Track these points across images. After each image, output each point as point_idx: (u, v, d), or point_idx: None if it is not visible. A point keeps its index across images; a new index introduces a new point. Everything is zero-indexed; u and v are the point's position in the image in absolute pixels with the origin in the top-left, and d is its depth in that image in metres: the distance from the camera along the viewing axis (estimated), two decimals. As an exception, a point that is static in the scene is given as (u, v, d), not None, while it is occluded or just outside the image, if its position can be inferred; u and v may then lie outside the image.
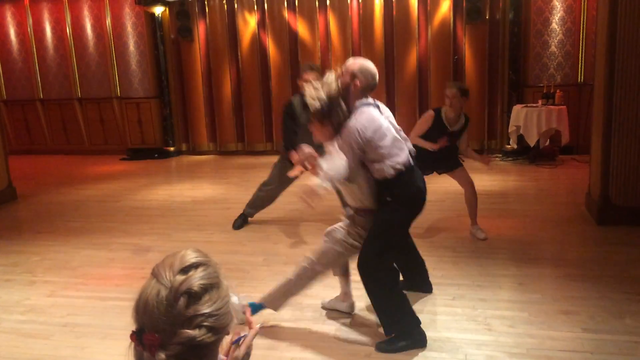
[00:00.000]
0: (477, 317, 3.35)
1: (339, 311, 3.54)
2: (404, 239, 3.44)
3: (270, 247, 4.82)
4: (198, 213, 5.99)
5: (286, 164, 4.89)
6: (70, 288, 4.13)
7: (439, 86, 8.56)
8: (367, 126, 2.98)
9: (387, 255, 3.11)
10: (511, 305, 3.50)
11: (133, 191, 7.05)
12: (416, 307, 3.52)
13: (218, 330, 1.15)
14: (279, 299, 3.33)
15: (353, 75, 3.10)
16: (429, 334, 3.18)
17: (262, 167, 8.34)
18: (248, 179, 7.45)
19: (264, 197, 5.39)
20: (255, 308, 3.30)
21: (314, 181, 2.82)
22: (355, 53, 8.77)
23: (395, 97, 8.76)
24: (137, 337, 1.14)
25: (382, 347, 3.08)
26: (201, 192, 6.92)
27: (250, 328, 1.42)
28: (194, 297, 1.13)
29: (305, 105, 3.19)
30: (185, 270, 1.15)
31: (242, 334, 1.38)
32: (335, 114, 3.03)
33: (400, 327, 3.11)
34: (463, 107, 4.73)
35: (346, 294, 3.55)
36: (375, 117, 3.06)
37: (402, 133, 3.25)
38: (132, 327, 1.17)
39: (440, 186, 6.66)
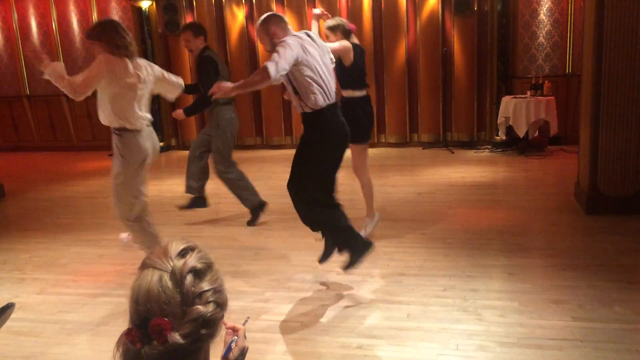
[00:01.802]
0: (468, 308, 3.37)
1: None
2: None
3: (262, 242, 4.82)
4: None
5: (223, 129, 4.97)
6: (60, 285, 4.11)
7: (428, 79, 8.58)
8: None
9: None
10: (502, 295, 3.53)
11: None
12: (407, 298, 3.54)
13: (222, 306, 1.20)
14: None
15: (267, 33, 3.42)
16: (420, 324, 3.20)
17: (252, 161, 8.34)
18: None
19: (234, 179, 5.17)
20: None
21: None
22: (344, 46, 8.74)
23: (384, 89, 8.76)
24: (140, 329, 1.12)
25: (344, 267, 3.62)
26: (191, 187, 6.89)
27: (236, 330, 1.42)
28: (198, 274, 1.17)
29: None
30: (182, 254, 1.19)
31: (232, 339, 1.38)
32: None
33: (350, 247, 3.58)
34: None
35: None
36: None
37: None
38: (124, 325, 1.15)
39: (430, 178, 6.70)
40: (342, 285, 3.82)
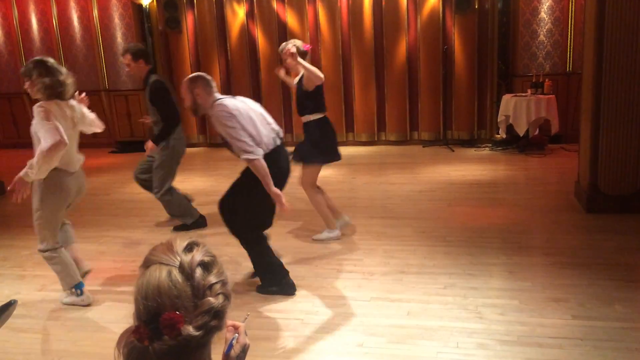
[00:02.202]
0: (468, 306, 3.38)
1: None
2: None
3: (262, 239, 4.81)
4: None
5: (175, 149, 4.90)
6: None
7: (428, 77, 8.57)
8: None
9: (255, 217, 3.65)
10: (502, 294, 3.53)
11: (123, 184, 7.00)
12: (407, 296, 3.54)
13: (229, 298, 1.22)
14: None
15: (191, 92, 3.53)
16: (420, 322, 3.21)
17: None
18: (238, 171, 7.41)
19: (172, 200, 5.06)
20: None
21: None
22: (345, 44, 8.75)
23: (385, 87, 8.75)
24: (148, 325, 1.12)
25: (259, 289, 3.71)
26: (191, 185, 6.88)
27: (236, 328, 1.42)
28: (206, 267, 1.20)
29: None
30: (188, 248, 1.21)
31: (233, 337, 1.38)
32: None
33: (271, 276, 3.68)
34: None
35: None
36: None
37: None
38: (125, 321, 1.15)
39: (431, 176, 6.70)
40: (342, 283, 3.83)
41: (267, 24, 8.93)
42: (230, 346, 1.39)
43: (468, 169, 7.01)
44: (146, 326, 1.13)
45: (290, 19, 8.82)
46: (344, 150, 8.62)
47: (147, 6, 9.05)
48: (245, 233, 3.68)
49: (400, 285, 3.74)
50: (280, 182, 3.58)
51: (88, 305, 3.64)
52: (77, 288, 3.63)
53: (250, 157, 3.39)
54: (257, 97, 9.15)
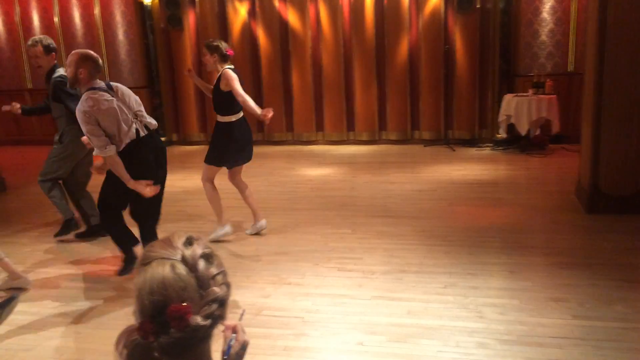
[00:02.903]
0: (469, 305, 3.38)
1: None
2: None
3: (262, 238, 4.82)
4: (189, 203, 5.97)
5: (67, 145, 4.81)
6: (63, 278, 4.12)
7: (429, 76, 8.57)
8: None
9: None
10: (502, 293, 3.54)
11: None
12: (408, 295, 3.55)
13: (230, 287, 1.26)
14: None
15: (75, 69, 3.63)
16: (420, 321, 3.21)
17: (254, 157, 8.30)
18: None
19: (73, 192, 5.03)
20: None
21: None
22: (346, 42, 8.75)
23: (386, 86, 8.75)
24: (154, 320, 1.13)
25: (120, 272, 4.07)
26: (192, 183, 6.88)
27: (233, 327, 1.42)
28: (209, 258, 1.23)
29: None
30: (188, 242, 1.23)
31: (232, 335, 1.38)
32: None
33: (128, 254, 3.99)
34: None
35: None
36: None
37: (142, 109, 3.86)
38: (126, 317, 1.15)
39: (432, 175, 6.70)
40: (342, 281, 3.83)
41: (269, 22, 8.92)
42: (229, 347, 1.40)
43: (469, 168, 7.01)
44: (152, 321, 1.13)
45: (292, 17, 8.81)
46: (345, 148, 8.68)
47: (149, 4, 9.04)
48: (100, 212, 3.99)
49: (401, 284, 3.74)
50: (146, 171, 3.73)
51: None
52: None
53: (103, 153, 3.60)
54: (258, 95, 9.17)
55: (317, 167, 7.41)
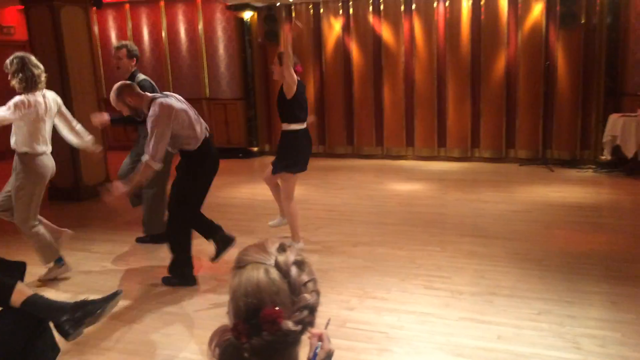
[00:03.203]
0: (565, 335, 3.19)
1: None
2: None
3: (349, 250, 4.83)
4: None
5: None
6: (160, 278, 4.33)
7: (528, 92, 8.26)
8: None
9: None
10: (602, 324, 3.31)
11: (218, 188, 7.27)
12: (498, 319, 3.41)
13: (319, 295, 1.28)
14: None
15: (124, 103, 3.94)
16: (511, 347, 3.07)
17: (342, 170, 8.40)
18: (328, 181, 7.52)
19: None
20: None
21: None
22: (440, 57, 8.63)
23: (480, 102, 8.53)
24: (247, 322, 1.16)
25: (164, 280, 4.16)
26: (282, 193, 7.05)
27: (319, 334, 1.43)
28: (301, 265, 1.25)
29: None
30: (281, 249, 1.26)
31: (318, 343, 1.39)
32: None
33: (179, 269, 4.12)
34: None
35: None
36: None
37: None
38: (219, 320, 1.19)
39: (527, 196, 6.43)
40: (429, 299, 3.75)
41: (362, 37, 9.00)
42: (315, 355, 1.41)
43: (569, 190, 6.65)
44: (245, 323, 1.17)
45: (386, 32, 8.84)
46: (435, 165, 8.53)
47: (249, 20, 9.42)
48: (182, 213, 4.17)
49: (491, 307, 3.60)
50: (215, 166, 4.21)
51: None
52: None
53: (151, 163, 3.77)
54: (348, 109, 9.26)
55: (406, 182, 7.33)
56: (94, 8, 7.10)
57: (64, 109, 4.32)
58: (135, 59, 5.11)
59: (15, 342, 2.35)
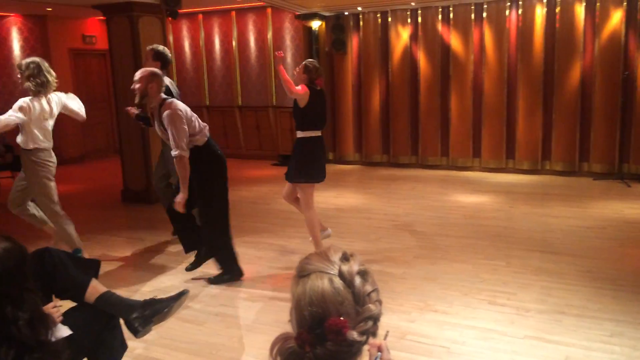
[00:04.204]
0: (638, 358, 3.01)
1: None
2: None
3: (410, 261, 4.77)
4: (341, 221, 6.11)
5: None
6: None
7: (604, 104, 7.88)
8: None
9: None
10: (682, 352, 3.10)
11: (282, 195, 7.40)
12: (566, 339, 3.26)
13: (382, 305, 1.27)
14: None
15: (148, 82, 4.06)
16: (580, 370, 2.94)
17: (406, 180, 8.31)
18: (391, 191, 7.47)
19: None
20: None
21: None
22: (511, 66, 8.40)
23: (552, 113, 8.22)
24: (311, 331, 1.17)
25: (212, 280, 4.37)
26: (345, 201, 7.07)
27: (378, 345, 1.42)
28: (364, 275, 1.25)
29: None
30: (344, 258, 1.25)
31: (376, 355, 1.39)
32: None
33: (227, 265, 4.39)
34: None
35: None
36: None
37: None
38: (279, 326, 1.21)
39: (601, 212, 6.13)
40: (493, 315, 3.65)
41: (430, 46, 8.90)
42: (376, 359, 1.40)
43: (619, 206, 6.29)
44: (309, 332, 1.16)
45: (454, 40, 8.69)
46: (503, 177, 8.29)
47: (317, 29, 9.54)
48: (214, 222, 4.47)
49: (559, 326, 3.46)
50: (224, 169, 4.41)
51: None
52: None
53: (182, 153, 4.03)
54: (414, 120, 9.17)
55: (471, 194, 7.16)
56: (170, 18, 7.41)
57: (69, 105, 4.67)
58: (159, 62, 5.11)
59: (87, 337, 2.47)
